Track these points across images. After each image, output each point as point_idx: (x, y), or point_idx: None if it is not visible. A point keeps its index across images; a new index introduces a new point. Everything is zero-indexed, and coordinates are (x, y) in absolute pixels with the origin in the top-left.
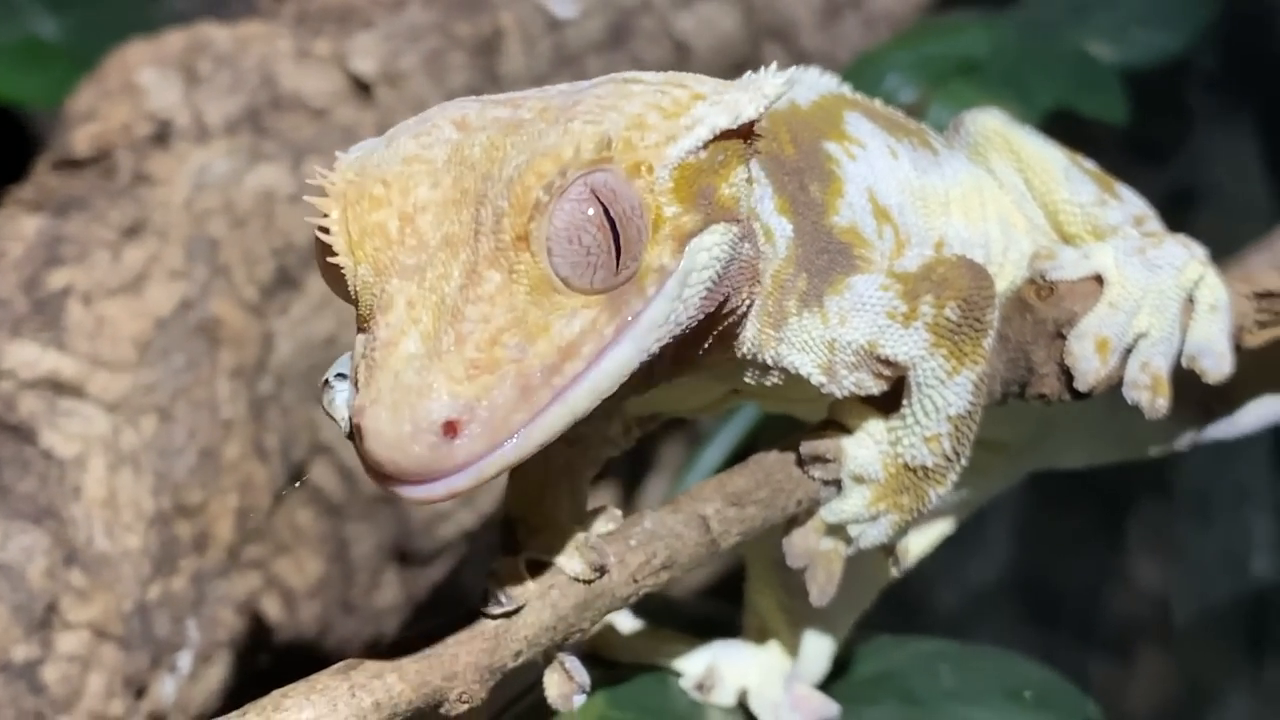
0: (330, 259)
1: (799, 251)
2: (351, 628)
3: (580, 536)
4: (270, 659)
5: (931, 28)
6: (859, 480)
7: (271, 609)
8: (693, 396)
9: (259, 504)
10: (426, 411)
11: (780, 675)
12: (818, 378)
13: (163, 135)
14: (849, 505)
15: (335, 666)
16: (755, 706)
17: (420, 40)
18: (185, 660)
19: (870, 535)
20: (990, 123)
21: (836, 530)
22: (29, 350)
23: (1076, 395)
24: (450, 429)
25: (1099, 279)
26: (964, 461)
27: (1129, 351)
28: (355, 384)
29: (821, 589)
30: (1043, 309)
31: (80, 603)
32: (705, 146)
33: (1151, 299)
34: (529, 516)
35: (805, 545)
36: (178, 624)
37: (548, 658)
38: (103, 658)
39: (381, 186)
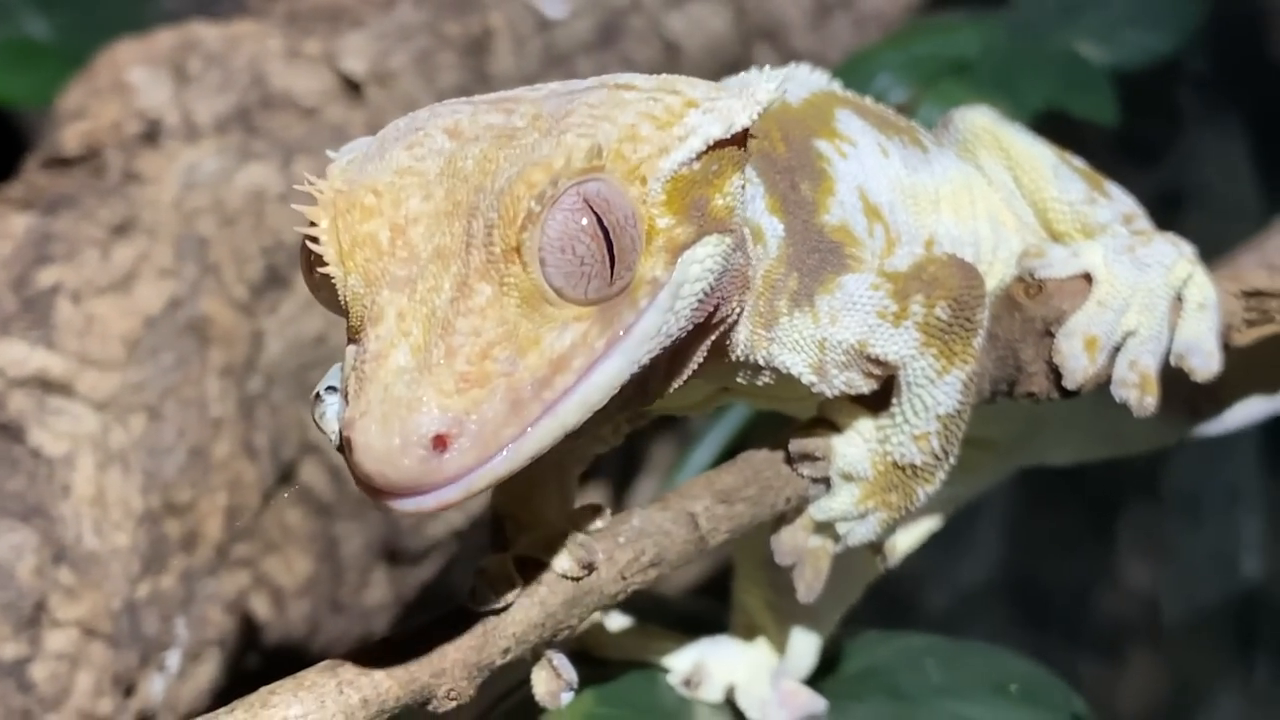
0: (320, 269)
1: (790, 251)
2: (341, 626)
3: (569, 534)
4: (259, 658)
5: (922, 28)
6: (848, 478)
7: (260, 608)
8: (682, 395)
9: (248, 503)
10: (416, 425)
11: (768, 671)
12: (809, 377)
13: (152, 134)
14: (838, 503)
15: (323, 664)
16: (743, 703)
17: (410, 40)
18: (174, 659)
19: (858, 533)
20: (979, 120)
21: (825, 528)
22: (18, 348)
23: (1065, 393)
24: (440, 443)
25: (1088, 277)
26: (953, 460)
27: (1117, 350)
28: (345, 396)
29: (809, 586)
30: (1031, 307)
31: (69, 601)
32: (699, 158)
33: (1140, 297)
34: (517, 513)
35: (794, 543)
36: (166, 622)
37: (536, 655)
38: (91, 656)
39: (373, 197)
